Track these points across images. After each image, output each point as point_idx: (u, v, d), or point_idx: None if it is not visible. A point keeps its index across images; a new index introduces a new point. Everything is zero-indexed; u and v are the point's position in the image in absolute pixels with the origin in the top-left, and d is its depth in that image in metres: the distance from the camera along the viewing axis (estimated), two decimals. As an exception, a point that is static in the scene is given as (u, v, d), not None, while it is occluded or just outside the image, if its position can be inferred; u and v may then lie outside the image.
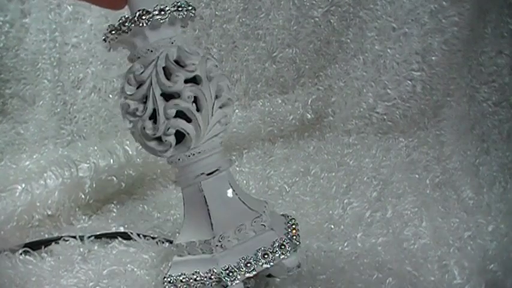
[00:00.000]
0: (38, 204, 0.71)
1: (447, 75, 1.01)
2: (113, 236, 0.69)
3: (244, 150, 0.96)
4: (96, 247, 0.67)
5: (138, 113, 0.50)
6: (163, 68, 0.50)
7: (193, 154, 0.52)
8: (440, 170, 0.88)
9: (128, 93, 0.50)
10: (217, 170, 0.53)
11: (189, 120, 0.50)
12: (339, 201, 0.78)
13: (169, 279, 0.53)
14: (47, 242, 0.68)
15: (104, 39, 0.52)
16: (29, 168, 0.82)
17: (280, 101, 1.03)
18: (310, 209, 0.76)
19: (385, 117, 1.02)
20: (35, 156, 0.88)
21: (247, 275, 0.50)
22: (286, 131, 1.02)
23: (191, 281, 0.51)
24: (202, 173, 0.53)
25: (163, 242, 0.66)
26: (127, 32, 0.50)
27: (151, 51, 0.50)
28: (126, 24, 0.49)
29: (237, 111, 0.99)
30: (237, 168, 0.91)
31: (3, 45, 0.97)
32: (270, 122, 1.00)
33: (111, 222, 0.74)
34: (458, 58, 1.01)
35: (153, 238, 0.67)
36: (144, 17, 0.49)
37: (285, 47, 1.02)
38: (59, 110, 0.98)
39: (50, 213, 0.73)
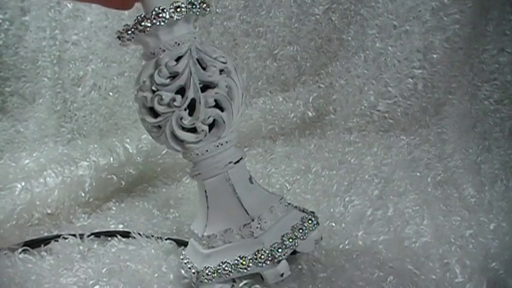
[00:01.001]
0: (37, 202, 0.71)
1: (449, 73, 1.02)
2: (112, 234, 0.69)
3: (245, 148, 0.96)
4: (95, 245, 0.67)
5: (176, 104, 0.50)
6: (197, 60, 0.51)
7: (222, 144, 0.54)
8: (441, 168, 0.88)
9: (162, 84, 0.51)
10: (241, 158, 0.56)
11: (221, 109, 0.52)
12: (340, 199, 0.78)
13: (207, 272, 0.54)
14: (46, 240, 0.68)
15: (119, 38, 0.53)
16: (29, 167, 0.82)
17: (281, 99, 1.03)
18: (311, 207, 0.74)
19: (386, 115, 1.03)
20: (34, 155, 0.88)
21: (293, 249, 0.54)
22: (287, 129, 1.02)
23: (238, 266, 0.53)
24: (230, 162, 0.55)
25: (162, 240, 0.66)
26: (144, 32, 0.50)
27: (178, 44, 0.51)
28: (143, 23, 0.50)
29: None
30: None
31: (3, 43, 0.98)
32: (271, 120, 1.01)
33: (110, 220, 0.74)
34: (460, 56, 1.01)
35: (153, 236, 0.67)
36: (160, 15, 0.50)
37: (286, 45, 1.03)
38: (59, 107, 0.98)
39: (49, 211, 0.73)
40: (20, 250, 0.65)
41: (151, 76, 0.51)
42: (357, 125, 1.03)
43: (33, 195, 0.71)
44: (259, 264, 0.53)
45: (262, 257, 0.53)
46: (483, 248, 0.65)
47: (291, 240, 0.54)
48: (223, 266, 0.54)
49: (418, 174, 0.86)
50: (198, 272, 0.55)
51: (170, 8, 0.50)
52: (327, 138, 1.01)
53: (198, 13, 0.52)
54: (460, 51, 1.00)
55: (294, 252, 0.57)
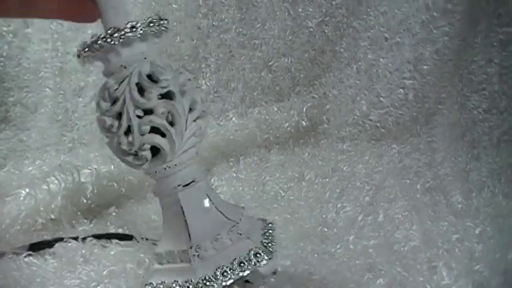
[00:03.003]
0: (41, 208, 0.73)
1: (438, 84, 1.02)
2: (113, 236, 0.71)
3: (241, 157, 0.96)
4: (96, 249, 0.68)
5: (113, 130, 0.49)
6: (137, 84, 0.49)
7: (169, 167, 0.52)
8: (431, 175, 0.89)
9: (104, 109, 0.50)
10: (193, 181, 0.53)
11: (163, 135, 0.50)
12: (332, 205, 0.79)
13: (150, 287, 0.53)
14: (49, 243, 0.70)
15: (78, 56, 0.51)
16: (32, 174, 0.83)
17: (276, 109, 1.04)
18: (304, 213, 0.77)
19: (378, 124, 1.03)
20: (37, 163, 0.89)
21: (224, 284, 0.51)
22: (281, 138, 1.02)
23: None
24: (179, 185, 0.53)
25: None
26: (99, 50, 0.49)
27: (125, 67, 0.49)
28: (99, 42, 0.48)
29: (233, 118, 1.00)
30: (234, 175, 0.91)
31: (7, 55, 0.98)
32: (266, 129, 1.01)
33: (110, 225, 0.75)
34: (449, 67, 1.01)
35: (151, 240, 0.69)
36: (116, 35, 0.48)
37: (280, 56, 1.03)
38: (60, 117, 0.99)
39: (53, 217, 0.74)
40: (24, 254, 0.67)
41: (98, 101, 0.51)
42: (349, 134, 1.03)
43: (37, 201, 0.73)
44: None
45: (190, 286, 0.51)
46: (468, 251, 0.66)
47: (225, 274, 0.51)
48: (161, 286, 0.53)
49: (408, 181, 0.87)
50: (145, 285, 0.54)
51: (125, 28, 0.48)
52: (321, 147, 1.02)
53: (155, 31, 0.50)
54: (449, 62, 1.01)
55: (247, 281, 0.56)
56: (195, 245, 0.52)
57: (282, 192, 0.84)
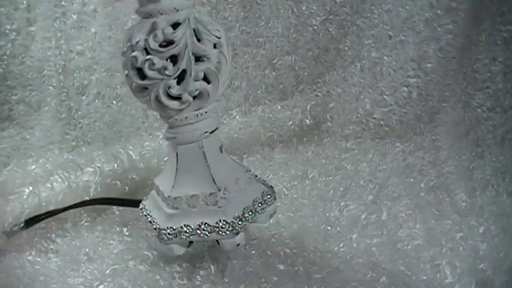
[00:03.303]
0: (44, 205, 0.73)
1: (442, 82, 1.02)
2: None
3: (244, 155, 0.96)
4: (100, 248, 0.69)
5: (167, 72, 0.50)
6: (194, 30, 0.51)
7: (201, 114, 0.55)
8: (435, 174, 0.89)
9: (153, 49, 0.50)
10: (216, 128, 0.57)
11: (208, 82, 0.53)
12: (335, 203, 0.79)
13: (168, 231, 0.56)
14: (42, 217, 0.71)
15: None
16: (35, 172, 0.83)
17: (279, 107, 1.04)
18: (307, 211, 0.77)
19: (382, 122, 1.03)
20: (40, 161, 0.89)
21: (251, 222, 0.56)
22: (285, 136, 1.03)
23: (199, 231, 0.55)
24: (206, 131, 0.56)
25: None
26: None
27: (177, 10, 0.51)
28: None
29: (237, 117, 1.00)
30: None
31: (10, 53, 0.98)
32: (269, 128, 1.01)
33: (113, 223, 0.75)
34: (453, 65, 1.01)
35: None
36: None
37: (284, 55, 1.03)
38: (63, 115, 0.99)
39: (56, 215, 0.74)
40: (28, 252, 0.68)
41: (146, 38, 0.51)
42: (353, 133, 1.04)
43: (41, 200, 0.73)
44: (220, 233, 0.55)
45: (224, 227, 0.55)
46: (472, 250, 0.66)
47: (251, 213, 0.56)
48: (185, 229, 0.55)
49: (412, 180, 0.86)
50: (160, 230, 0.56)
51: None
52: (324, 145, 1.02)
53: None
54: (453, 60, 1.01)
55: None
56: (222, 188, 0.55)
57: (285, 190, 0.84)
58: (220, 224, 0.55)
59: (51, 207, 0.74)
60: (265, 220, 0.60)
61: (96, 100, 0.98)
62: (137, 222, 0.74)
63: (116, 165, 0.82)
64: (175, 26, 0.51)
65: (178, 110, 0.53)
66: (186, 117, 0.54)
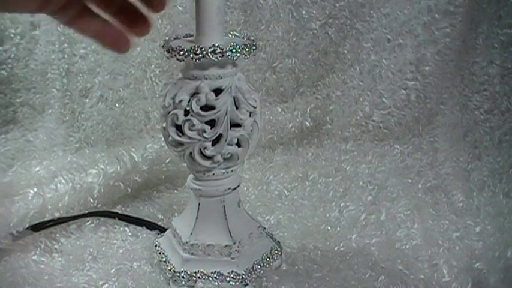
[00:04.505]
0: (49, 207, 0.74)
1: (440, 85, 1.03)
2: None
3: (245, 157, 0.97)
4: (104, 248, 0.70)
5: (205, 135, 0.54)
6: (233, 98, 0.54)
7: (228, 172, 0.58)
8: (433, 175, 0.90)
9: (196, 112, 0.53)
10: (238, 185, 0.61)
11: (239, 145, 0.56)
12: (335, 204, 0.80)
13: (183, 274, 0.59)
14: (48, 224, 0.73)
15: (168, 51, 0.54)
16: (39, 174, 0.84)
17: (280, 110, 1.04)
18: (308, 212, 0.78)
19: (380, 124, 1.04)
20: (44, 163, 0.89)
21: (259, 274, 0.61)
22: (285, 139, 1.03)
23: (211, 278, 0.59)
24: (229, 188, 0.59)
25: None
26: (196, 61, 0.52)
27: (221, 77, 0.54)
28: (199, 53, 0.52)
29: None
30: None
31: (14, 56, 0.98)
32: (270, 130, 1.02)
33: (116, 224, 0.76)
34: (451, 68, 1.02)
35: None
36: (217, 52, 0.52)
37: (284, 58, 1.04)
38: (67, 118, 0.99)
39: (60, 215, 0.75)
40: (32, 252, 0.69)
41: (189, 100, 0.54)
42: (352, 135, 1.04)
43: (45, 200, 0.74)
44: (231, 283, 0.59)
45: (235, 277, 0.59)
46: (469, 249, 0.68)
47: (259, 267, 0.61)
48: (198, 275, 0.59)
49: (410, 180, 0.88)
50: (175, 272, 0.60)
51: (226, 49, 0.52)
52: (324, 147, 1.02)
53: (247, 56, 0.54)
54: (451, 63, 1.02)
55: None
56: (237, 242, 0.59)
57: (286, 191, 0.85)
58: (232, 275, 0.59)
59: (56, 208, 0.75)
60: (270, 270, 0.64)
61: (99, 103, 0.98)
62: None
63: (118, 167, 0.82)
64: (217, 91, 0.54)
65: (209, 168, 0.57)
66: (214, 174, 0.58)
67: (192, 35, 0.58)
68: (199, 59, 0.52)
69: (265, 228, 0.66)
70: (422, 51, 1.01)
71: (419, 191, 0.84)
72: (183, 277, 0.59)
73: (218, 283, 0.59)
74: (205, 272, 0.59)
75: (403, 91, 1.03)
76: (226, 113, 0.53)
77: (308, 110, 1.05)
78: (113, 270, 0.65)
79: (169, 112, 0.55)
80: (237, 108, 0.55)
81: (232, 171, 0.59)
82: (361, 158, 0.98)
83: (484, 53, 1.02)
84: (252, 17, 1.02)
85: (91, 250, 0.69)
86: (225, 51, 0.52)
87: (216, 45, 0.52)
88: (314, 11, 1.02)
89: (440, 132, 1.04)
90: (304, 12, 1.02)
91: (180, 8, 0.97)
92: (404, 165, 0.94)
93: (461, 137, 1.02)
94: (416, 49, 1.01)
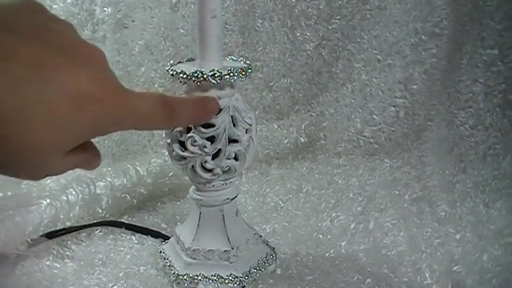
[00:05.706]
0: (61, 216, 0.78)
1: (428, 102, 1.06)
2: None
3: (243, 171, 0.99)
4: (112, 254, 0.74)
5: (206, 150, 0.58)
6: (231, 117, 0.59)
7: (226, 183, 0.62)
8: (419, 187, 0.93)
9: (198, 130, 0.57)
10: (236, 196, 0.65)
11: (236, 159, 0.60)
12: (327, 214, 0.83)
13: (185, 277, 0.64)
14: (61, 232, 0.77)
15: (172, 75, 0.58)
16: (50, 187, 0.86)
17: (276, 126, 1.07)
18: (301, 221, 0.82)
19: (371, 140, 1.07)
20: (55, 177, 0.92)
21: (255, 277, 0.65)
22: (281, 154, 1.06)
23: (211, 280, 0.63)
24: (228, 198, 0.63)
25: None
26: (197, 84, 0.56)
27: (220, 98, 0.57)
28: (199, 78, 0.56)
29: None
30: (237, 187, 0.96)
31: None
32: (266, 145, 1.05)
33: (123, 232, 0.80)
34: (438, 86, 1.06)
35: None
36: (216, 76, 0.56)
37: (280, 78, 1.07)
38: None
39: (71, 225, 0.79)
40: (46, 258, 0.72)
41: None
42: (344, 150, 1.07)
43: (57, 211, 0.78)
44: (229, 284, 0.63)
45: (233, 280, 0.63)
46: (449, 254, 0.71)
47: (255, 270, 0.65)
48: (199, 277, 0.63)
49: (397, 192, 0.90)
50: (178, 275, 0.64)
51: (224, 73, 0.56)
52: (318, 161, 1.06)
53: (243, 78, 0.58)
54: (437, 82, 1.05)
55: None
56: (235, 247, 0.64)
57: (281, 203, 0.88)
58: (230, 278, 0.63)
59: (67, 218, 0.79)
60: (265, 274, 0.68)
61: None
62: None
63: (125, 180, 0.85)
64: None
65: (209, 180, 0.61)
66: (213, 185, 0.62)
67: (193, 59, 0.62)
68: (200, 81, 0.56)
69: (261, 236, 0.69)
70: (410, 71, 1.04)
71: (405, 202, 0.87)
72: (185, 280, 0.64)
73: (218, 285, 0.63)
74: (206, 275, 0.63)
75: (393, 108, 1.06)
76: (225, 130, 0.57)
77: (303, 126, 1.08)
78: (121, 273, 0.68)
79: (173, 129, 0.59)
80: (234, 125, 0.59)
81: (230, 182, 0.63)
82: (352, 171, 1.00)
83: (469, 72, 1.05)
84: (250, 39, 1.05)
85: (100, 256, 0.73)
86: (224, 75, 0.56)
87: (216, 69, 0.56)
88: (308, 33, 1.05)
89: (427, 147, 1.06)
90: (298, 34, 1.05)
91: (181, 30, 1.01)
92: (392, 178, 0.97)
93: (448, 151, 1.05)
94: (405, 69, 1.04)
